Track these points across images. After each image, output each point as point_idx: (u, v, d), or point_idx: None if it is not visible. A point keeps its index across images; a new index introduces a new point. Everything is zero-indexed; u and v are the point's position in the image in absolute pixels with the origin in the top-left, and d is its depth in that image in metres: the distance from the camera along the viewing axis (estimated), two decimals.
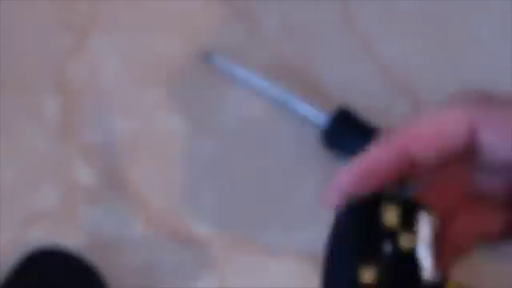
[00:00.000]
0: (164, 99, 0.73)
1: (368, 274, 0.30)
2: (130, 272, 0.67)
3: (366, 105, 0.71)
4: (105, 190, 0.70)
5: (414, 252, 0.31)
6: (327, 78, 0.73)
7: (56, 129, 0.72)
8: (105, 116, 0.73)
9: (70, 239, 0.67)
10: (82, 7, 0.77)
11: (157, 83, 0.74)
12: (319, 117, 0.70)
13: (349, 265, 0.30)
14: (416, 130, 0.34)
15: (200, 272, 0.67)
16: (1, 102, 0.72)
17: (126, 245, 0.68)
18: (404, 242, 0.31)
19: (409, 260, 0.31)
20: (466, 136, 0.33)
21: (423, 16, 0.77)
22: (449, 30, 0.76)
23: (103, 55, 0.75)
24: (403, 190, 0.34)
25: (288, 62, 0.75)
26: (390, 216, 0.31)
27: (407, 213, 0.32)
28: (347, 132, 0.69)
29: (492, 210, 0.38)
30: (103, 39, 0.76)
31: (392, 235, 0.31)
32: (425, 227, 0.31)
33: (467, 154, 0.34)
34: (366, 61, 0.75)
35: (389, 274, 0.30)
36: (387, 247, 0.31)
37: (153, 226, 0.68)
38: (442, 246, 0.33)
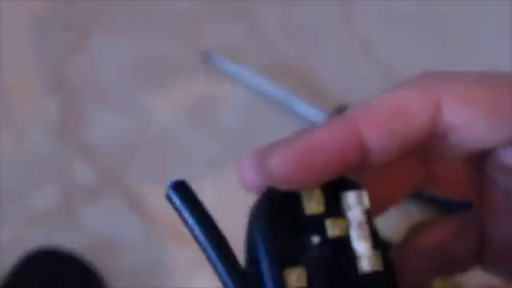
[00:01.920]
0: (164, 99, 0.73)
1: (295, 276, 0.25)
2: (129, 272, 0.67)
3: None
4: (105, 190, 0.70)
5: (347, 239, 0.26)
6: (327, 78, 0.73)
7: (56, 129, 0.72)
8: (105, 116, 0.73)
9: (69, 239, 0.67)
10: (82, 7, 0.77)
11: (157, 83, 0.74)
12: (319, 116, 0.70)
13: (271, 268, 0.25)
14: (370, 111, 0.26)
15: (200, 272, 0.67)
16: (1, 102, 0.72)
17: (125, 245, 0.68)
18: (333, 229, 0.26)
19: (342, 250, 0.26)
20: (430, 116, 0.26)
21: (423, 16, 0.77)
22: (449, 30, 0.76)
23: (103, 55, 0.75)
24: None
25: (288, 61, 0.75)
26: (313, 201, 0.26)
27: (332, 194, 0.26)
28: None
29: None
30: (103, 39, 0.76)
31: (318, 224, 0.26)
32: (355, 207, 0.26)
33: (427, 142, 0.27)
34: (366, 61, 0.75)
35: (320, 271, 0.25)
36: (314, 239, 0.26)
37: (153, 226, 0.68)
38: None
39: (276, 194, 0.26)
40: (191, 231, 0.26)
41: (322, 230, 0.26)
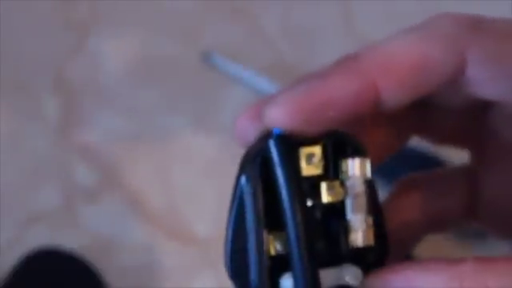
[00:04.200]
0: (164, 99, 0.73)
1: (280, 243, 0.23)
2: (129, 272, 0.67)
3: None
4: (105, 190, 0.70)
5: (342, 205, 0.24)
6: None
7: (56, 129, 0.72)
8: (105, 116, 0.73)
9: (69, 239, 0.67)
10: (82, 7, 0.77)
11: (157, 83, 0.74)
12: None
13: (256, 232, 0.23)
14: (389, 64, 0.23)
15: (200, 272, 0.67)
16: (1, 102, 0.72)
17: (125, 245, 0.68)
18: (328, 195, 0.24)
19: (335, 215, 0.24)
20: (453, 71, 0.23)
21: (423, 16, 0.77)
22: None
23: (103, 55, 0.75)
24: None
25: (288, 61, 0.75)
26: (311, 163, 0.24)
27: (333, 155, 0.24)
28: None
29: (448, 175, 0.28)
30: (103, 39, 0.76)
31: (313, 185, 0.24)
32: (355, 176, 0.24)
33: (446, 93, 0.25)
34: None
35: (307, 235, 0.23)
36: (307, 203, 0.24)
37: (153, 225, 0.68)
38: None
39: (267, 147, 0.23)
40: (278, 189, 0.23)
41: (316, 192, 0.24)
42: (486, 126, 0.27)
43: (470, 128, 0.28)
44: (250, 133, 0.24)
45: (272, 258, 0.23)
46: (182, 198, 0.69)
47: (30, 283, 0.64)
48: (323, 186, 0.24)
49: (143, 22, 0.77)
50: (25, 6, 0.77)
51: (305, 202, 0.23)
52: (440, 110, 0.27)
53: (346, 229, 0.24)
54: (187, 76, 0.75)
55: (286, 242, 0.23)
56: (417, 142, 0.29)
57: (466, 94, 0.24)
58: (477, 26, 0.25)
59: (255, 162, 0.24)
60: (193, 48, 0.75)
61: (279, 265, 0.23)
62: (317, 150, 0.24)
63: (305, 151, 0.24)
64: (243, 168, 0.24)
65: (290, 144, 0.23)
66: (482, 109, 0.26)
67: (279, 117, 0.23)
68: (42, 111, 0.73)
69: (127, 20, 0.77)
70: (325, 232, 0.24)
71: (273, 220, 0.23)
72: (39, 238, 0.67)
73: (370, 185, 0.24)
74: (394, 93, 0.23)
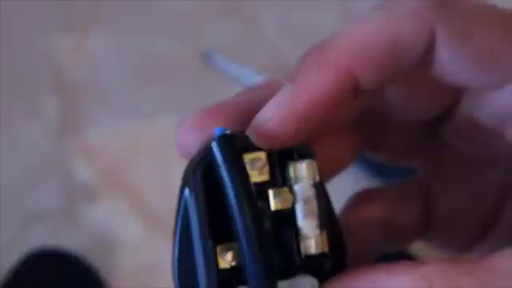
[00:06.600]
0: (164, 99, 0.73)
1: (229, 255, 0.22)
2: (129, 272, 0.67)
3: None
4: (105, 190, 0.70)
5: (292, 212, 0.23)
6: None
7: (56, 129, 0.72)
8: (105, 116, 0.73)
9: (70, 239, 0.67)
10: (82, 7, 0.77)
11: (157, 83, 0.74)
12: None
13: (202, 244, 0.22)
14: (361, 44, 0.23)
15: None
16: (1, 102, 0.72)
17: (125, 245, 0.68)
18: (276, 202, 0.22)
19: (284, 223, 0.23)
20: (423, 49, 0.23)
21: None
22: None
23: (103, 55, 0.75)
24: None
25: (288, 62, 0.75)
26: (256, 168, 0.23)
27: (280, 160, 0.23)
28: None
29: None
30: (103, 39, 0.76)
31: (260, 193, 0.22)
32: (303, 180, 0.23)
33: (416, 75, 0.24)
34: None
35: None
36: None
37: (153, 226, 0.68)
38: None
39: (214, 156, 0.22)
40: (226, 192, 0.22)
41: (263, 200, 0.22)
42: (439, 140, 0.27)
43: (422, 144, 0.27)
44: (193, 144, 0.23)
45: (224, 270, 0.22)
46: None
47: (30, 283, 0.64)
48: (270, 192, 0.23)
49: (143, 22, 0.77)
50: (25, 6, 0.77)
51: (255, 203, 0.22)
52: (392, 126, 0.27)
53: (297, 237, 0.23)
54: (187, 76, 0.75)
55: (238, 253, 0.22)
56: None
57: (433, 82, 0.24)
58: (443, 3, 0.23)
59: (198, 173, 0.23)
60: (193, 48, 0.75)
61: (233, 278, 0.22)
62: (261, 155, 0.23)
63: (249, 157, 0.23)
64: (186, 179, 0.23)
65: (234, 147, 0.22)
66: (435, 123, 0.26)
67: (275, 127, 0.23)
68: (41, 111, 0.73)
69: (127, 20, 0.77)
70: (275, 242, 0.23)
71: (224, 232, 0.22)
72: (39, 238, 0.67)
73: (319, 188, 0.23)
74: (372, 76, 0.23)
